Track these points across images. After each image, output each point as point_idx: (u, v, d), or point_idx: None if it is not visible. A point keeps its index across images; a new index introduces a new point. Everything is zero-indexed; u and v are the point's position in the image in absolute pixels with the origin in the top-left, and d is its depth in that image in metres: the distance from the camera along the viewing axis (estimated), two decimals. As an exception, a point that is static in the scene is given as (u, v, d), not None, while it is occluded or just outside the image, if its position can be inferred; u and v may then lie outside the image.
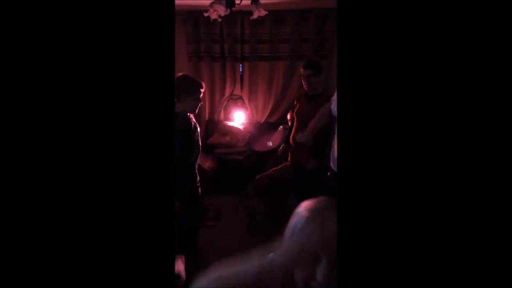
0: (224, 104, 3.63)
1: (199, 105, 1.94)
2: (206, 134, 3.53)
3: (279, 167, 2.90)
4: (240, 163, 3.26)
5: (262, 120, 3.59)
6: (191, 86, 1.88)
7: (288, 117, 3.21)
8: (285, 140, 2.66)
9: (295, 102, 2.57)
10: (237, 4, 2.02)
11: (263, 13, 2.04)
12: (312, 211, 0.69)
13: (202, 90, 1.93)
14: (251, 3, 2.07)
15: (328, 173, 1.86)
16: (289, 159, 2.57)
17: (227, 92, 3.58)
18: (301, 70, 2.34)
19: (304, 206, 0.71)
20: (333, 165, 1.81)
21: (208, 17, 2.02)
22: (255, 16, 2.07)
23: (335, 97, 1.89)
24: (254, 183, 2.86)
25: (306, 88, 2.38)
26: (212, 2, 1.94)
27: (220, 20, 2.11)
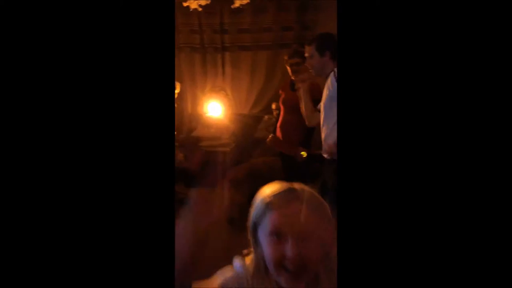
0: (207, 96, 3.58)
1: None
2: (190, 128, 3.48)
3: (259, 159, 2.89)
4: (226, 155, 3.24)
5: (247, 111, 3.56)
6: None
7: (273, 107, 3.19)
8: (273, 130, 2.65)
9: (280, 92, 2.56)
10: (218, -8, 1.97)
11: (245, 1, 2.00)
12: (270, 196, 0.73)
13: (176, 91, 1.83)
14: (232, -9, 2.03)
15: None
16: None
17: (209, 84, 3.52)
18: (287, 58, 2.33)
19: (262, 193, 0.75)
20: (323, 152, 1.82)
21: (187, 7, 1.97)
22: (237, 4, 2.02)
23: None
24: (231, 174, 2.83)
25: (292, 77, 2.37)
26: (193, -9, 1.89)
27: (200, 9, 2.06)
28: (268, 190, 0.75)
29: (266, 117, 3.34)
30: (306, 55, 1.82)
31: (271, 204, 0.72)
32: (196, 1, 1.89)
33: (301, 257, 0.68)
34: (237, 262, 0.77)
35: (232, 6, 2.06)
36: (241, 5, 2.04)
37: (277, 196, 0.73)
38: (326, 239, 0.73)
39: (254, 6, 3.15)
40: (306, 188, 0.75)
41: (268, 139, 2.66)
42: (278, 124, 2.49)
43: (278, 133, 2.47)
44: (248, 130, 3.38)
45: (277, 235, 0.69)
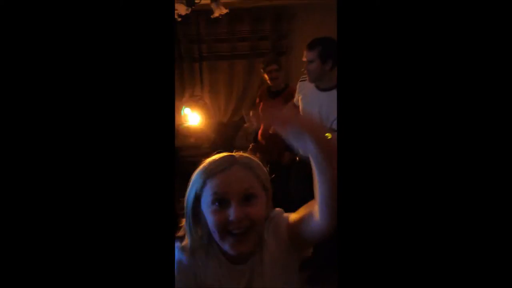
0: (185, 105, 3.55)
1: None
2: (169, 138, 3.43)
3: None
4: (207, 164, 3.22)
5: (225, 119, 3.57)
6: None
7: (250, 114, 3.21)
8: (253, 138, 2.66)
9: (257, 101, 2.59)
10: (197, 3, 1.98)
11: (224, 11, 2.03)
12: (209, 164, 0.74)
13: None
14: (211, 1, 2.05)
15: (297, 158, 1.93)
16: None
17: (187, 93, 3.51)
18: (263, 66, 2.37)
19: (201, 165, 0.76)
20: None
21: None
22: (216, 14, 2.04)
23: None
24: None
25: (270, 83, 2.41)
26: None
27: (179, 20, 2.06)
28: (206, 161, 0.76)
29: (245, 125, 3.36)
30: (305, 59, 1.72)
31: (210, 172, 0.72)
32: (176, 11, 1.89)
33: (244, 219, 0.69)
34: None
35: (212, 16, 2.07)
36: (220, 15, 2.06)
37: (215, 163, 0.73)
38: (266, 199, 0.75)
39: (230, 16, 3.18)
40: (243, 153, 0.77)
41: (249, 149, 2.67)
42: (260, 132, 2.51)
43: (261, 141, 2.49)
44: (228, 139, 3.38)
45: (220, 201, 0.70)
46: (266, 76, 2.39)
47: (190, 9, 1.90)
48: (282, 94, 2.40)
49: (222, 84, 3.48)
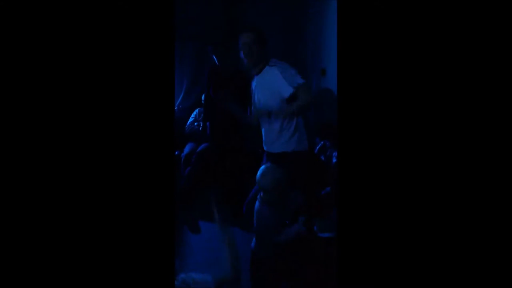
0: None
1: None
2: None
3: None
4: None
5: (175, 105, 3.48)
6: None
7: (203, 97, 3.16)
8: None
9: (209, 85, 2.56)
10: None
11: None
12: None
13: None
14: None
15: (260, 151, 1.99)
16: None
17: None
18: (212, 48, 2.33)
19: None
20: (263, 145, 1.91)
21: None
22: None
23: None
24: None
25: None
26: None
27: None
28: None
29: (197, 110, 3.30)
30: (244, 41, 1.75)
31: None
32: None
33: None
34: None
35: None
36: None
37: None
38: None
39: (179, -2, 3.08)
40: None
41: None
42: None
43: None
44: (179, 125, 3.30)
45: None
46: (215, 59, 2.36)
47: None
48: (234, 78, 2.39)
49: (171, 69, 3.37)
